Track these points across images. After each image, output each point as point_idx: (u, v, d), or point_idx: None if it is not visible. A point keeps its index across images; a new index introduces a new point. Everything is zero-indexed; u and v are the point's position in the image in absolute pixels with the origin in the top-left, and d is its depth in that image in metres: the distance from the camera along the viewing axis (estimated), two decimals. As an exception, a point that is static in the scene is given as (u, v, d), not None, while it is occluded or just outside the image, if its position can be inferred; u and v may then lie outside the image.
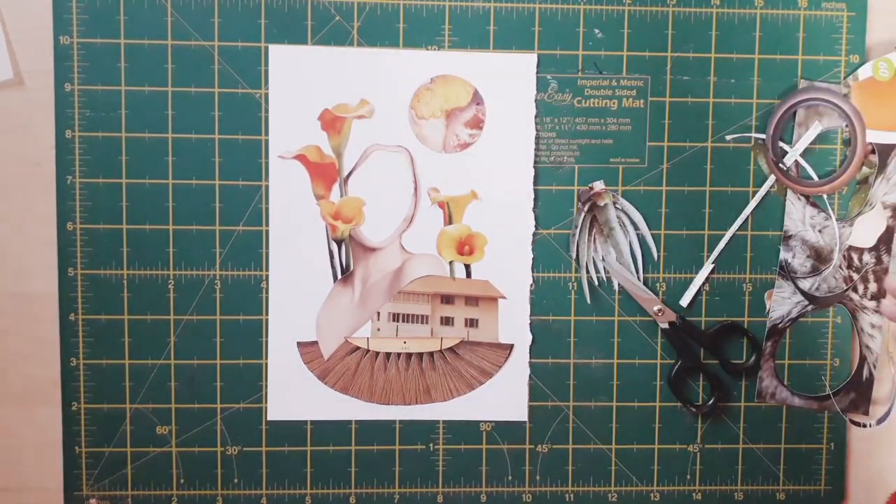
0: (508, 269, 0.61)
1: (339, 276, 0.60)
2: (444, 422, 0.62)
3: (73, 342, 0.60)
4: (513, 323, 0.61)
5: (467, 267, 0.61)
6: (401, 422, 0.61)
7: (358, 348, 0.61)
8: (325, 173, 0.60)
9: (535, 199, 0.61)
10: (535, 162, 0.60)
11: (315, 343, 0.60)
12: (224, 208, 0.60)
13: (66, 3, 0.58)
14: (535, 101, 0.60)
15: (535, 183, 0.61)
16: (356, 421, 0.61)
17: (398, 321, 0.61)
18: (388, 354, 0.61)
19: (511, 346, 0.61)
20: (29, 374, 0.60)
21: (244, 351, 0.60)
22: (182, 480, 0.61)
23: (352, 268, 0.60)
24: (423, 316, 0.61)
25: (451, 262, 0.61)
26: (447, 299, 0.61)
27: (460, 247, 0.60)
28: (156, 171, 0.59)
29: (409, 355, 0.61)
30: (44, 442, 0.60)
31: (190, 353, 0.60)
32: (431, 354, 0.61)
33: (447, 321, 0.61)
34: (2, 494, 0.60)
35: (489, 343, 0.61)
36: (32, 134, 0.59)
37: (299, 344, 0.60)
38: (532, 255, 0.61)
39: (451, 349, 0.61)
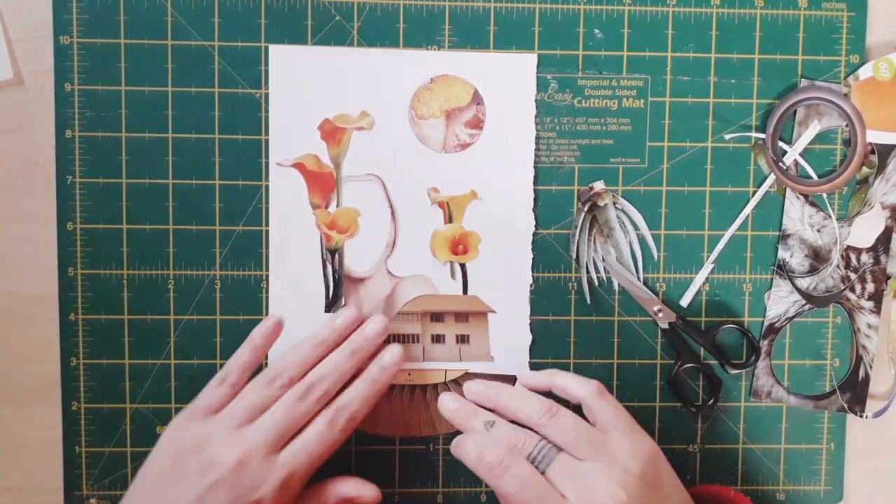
0: (508, 269, 0.61)
1: (332, 286, 0.60)
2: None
3: (73, 342, 0.60)
4: (506, 335, 0.61)
5: (463, 267, 0.61)
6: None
7: None
8: (322, 183, 0.60)
9: (536, 199, 0.61)
10: (536, 162, 0.61)
11: None
12: (224, 208, 0.60)
13: (66, 3, 0.58)
14: (535, 101, 0.60)
15: (535, 183, 0.61)
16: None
17: (389, 341, 0.60)
18: (391, 387, 0.61)
19: (514, 378, 0.61)
20: (29, 374, 0.60)
21: (244, 351, 0.60)
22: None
23: (342, 290, 0.60)
24: (413, 335, 0.61)
25: (449, 264, 0.61)
26: (437, 317, 0.61)
27: (454, 246, 0.60)
28: (156, 170, 0.59)
29: (413, 387, 0.61)
30: (44, 442, 0.60)
31: (190, 353, 0.60)
32: (436, 386, 0.61)
33: (438, 339, 0.61)
34: (2, 494, 0.60)
35: (493, 374, 0.61)
36: (32, 134, 0.59)
37: None
38: (532, 255, 0.61)
39: (454, 381, 0.61)
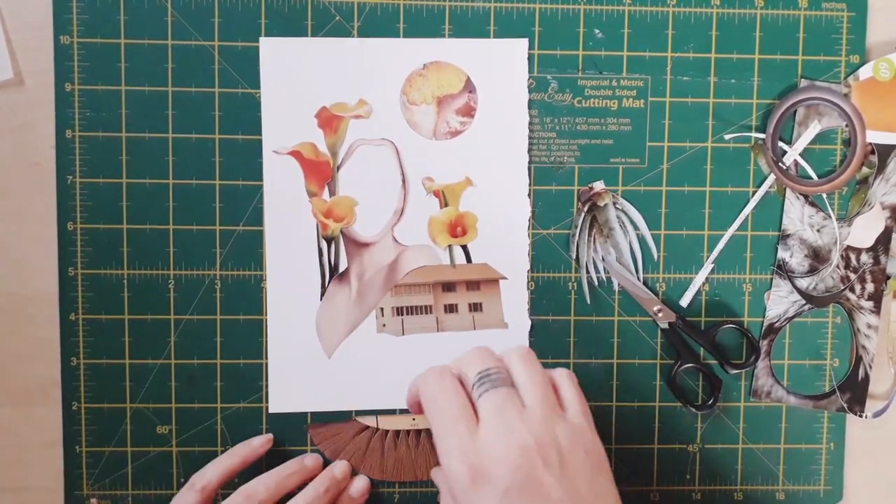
0: (505, 253, 0.61)
1: (328, 275, 0.60)
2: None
3: (73, 342, 0.59)
4: (514, 308, 0.61)
5: (465, 248, 0.61)
6: (401, 411, 0.61)
7: (367, 427, 0.61)
8: (319, 171, 0.60)
9: (533, 196, 0.61)
10: (536, 162, 0.61)
11: (325, 424, 0.61)
12: (224, 208, 0.60)
13: (66, 3, 0.58)
14: (535, 100, 0.60)
15: (535, 183, 0.61)
16: (356, 413, 0.61)
17: (403, 314, 0.61)
18: (397, 433, 0.61)
19: None
20: (29, 374, 0.60)
21: (244, 351, 0.60)
22: (182, 480, 0.60)
23: (342, 266, 0.60)
24: (426, 306, 0.61)
25: (449, 248, 0.61)
26: (448, 287, 0.61)
27: (452, 229, 0.60)
28: (156, 170, 0.59)
29: (418, 432, 0.61)
30: (44, 442, 0.60)
31: (190, 353, 0.60)
32: None
33: (451, 308, 0.61)
34: (2, 494, 0.60)
35: None
36: (32, 134, 0.59)
37: (310, 426, 0.61)
38: (529, 241, 0.61)
39: None
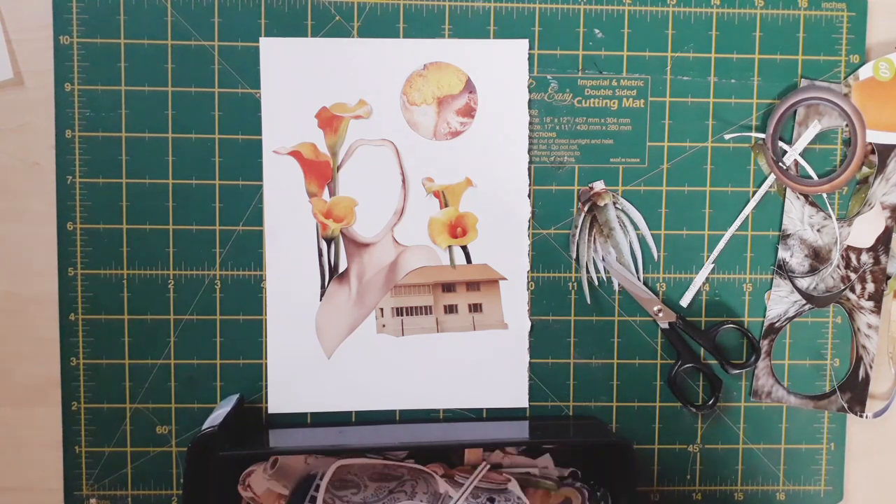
0: (505, 253, 0.61)
1: (328, 275, 0.60)
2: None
3: (73, 342, 0.60)
4: (514, 308, 0.61)
5: (465, 249, 0.61)
6: (401, 412, 0.61)
7: None
8: (319, 171, 0.60)
9: (533, 196, 0.61)
10: (536, 162, 0.61)
11: None
12: (224, 208, 0.60)
13: (66, 3, 0.58)
14: (536, 100, 0.60)
15: (535, 183, 0.61)
16: (356, 413, 0.61)
17: (402, 315, 0.61)
18: None
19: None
20: (29, 374, 0.60)
21: (244, 351, 0.60)
22: (181, 480, 0.61)
23: (342, 266, 0.60)
24: (426, 307, 0.61)
25: (449, 249, 0.61)
26: (448, 287, 0.61)
27: (452, 230, 0.61)
28: (156, 170, 0.59)
29: None
30: (44, 442, 0.60)
31: (190, 353, 0.60)
32: None
33: (451, 309, 0.61)
34: (2, 494, 0.60)
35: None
36: (32, 134, 0.59)
37: None
38: (529, 241, 0.61)
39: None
